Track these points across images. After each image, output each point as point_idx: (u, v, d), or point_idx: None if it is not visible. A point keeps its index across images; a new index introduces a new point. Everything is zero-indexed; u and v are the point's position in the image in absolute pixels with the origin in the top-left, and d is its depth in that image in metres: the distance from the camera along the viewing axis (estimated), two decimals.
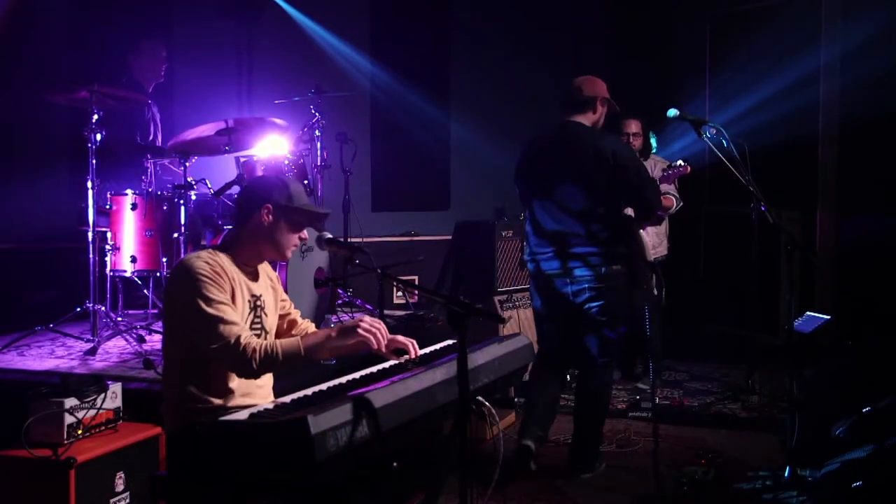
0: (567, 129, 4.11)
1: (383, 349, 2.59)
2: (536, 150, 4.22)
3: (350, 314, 5.08)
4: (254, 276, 2.71)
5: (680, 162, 5.31)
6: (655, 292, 4.14)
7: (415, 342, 2.74)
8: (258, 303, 2.68)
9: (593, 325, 4.05)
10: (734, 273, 5.97)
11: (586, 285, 3.99)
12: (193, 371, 2.52)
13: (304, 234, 2.76)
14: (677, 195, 5.50)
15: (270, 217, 2.65)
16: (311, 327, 2.94)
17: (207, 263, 2.51)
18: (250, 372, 2.46)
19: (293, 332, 2.89)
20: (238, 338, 2.42)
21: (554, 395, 4.29)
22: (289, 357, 2.47)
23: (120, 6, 5.96)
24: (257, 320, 2.67)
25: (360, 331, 2.50)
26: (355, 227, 5.73)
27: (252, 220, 2.66)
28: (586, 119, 4.11)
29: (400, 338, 2.69)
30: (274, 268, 4.41)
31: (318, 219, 2.89)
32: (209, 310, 2.44)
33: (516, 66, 7.58)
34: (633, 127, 5.60)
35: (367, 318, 2.56)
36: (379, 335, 2.52)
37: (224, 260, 2.59)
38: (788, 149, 6.15)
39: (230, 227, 4.52)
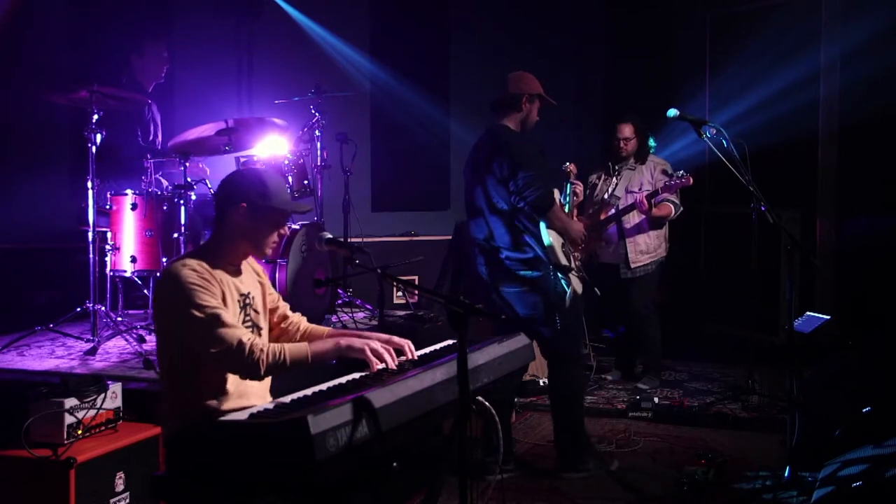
0: (487, 133, 4.11)
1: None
2: (471, 155, 4.22)
3: (350, 314, 5.08)
4: (239, 275, 2.69)
5: (682, 172, 5.30)
6: (579, 291, 4.14)
7: (411, 343, 2.75)
8: (247, 301, 2.67)
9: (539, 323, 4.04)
10: (734, 273, 5.98)
11: (514, 289, 4.02)
12: (188, 375, 2.51)
13: (285, 229, 2.73)
14: (677, 202, 5.48)
15: (245, 217, 2.61)
16: (303, 322, 2.92)
17: (194, 270, 2.48)
18: (256, 375, 2.45)
19: (283, 325, 2.87)
20: (240, 341, 2.41)
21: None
22: (296, 363, 2.49)
23: (120, 6, 5.95)
24: (248, 319, 2.66)
25: (367, 351, 2.56)
26: (355, 227, 5.73)
27: (228, 220, 2.63)
28: (511, 119, 4.08)
29: (396, 339, 2.71)
30: (274, 269, 4.46)
31: (297, 211, 2.88)
32: (204, 316, 2.42)
33: (516, 67, 7.55)
34: (626, 131, 5.56)
35: (378, 343, 2.61)
36: (386, 359, 2.58)
37: (206, 264, 2.56)
38: (788, 149, 6.15)
39: None
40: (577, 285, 4.14)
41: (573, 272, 4.12)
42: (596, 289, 4.44)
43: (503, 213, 3.99)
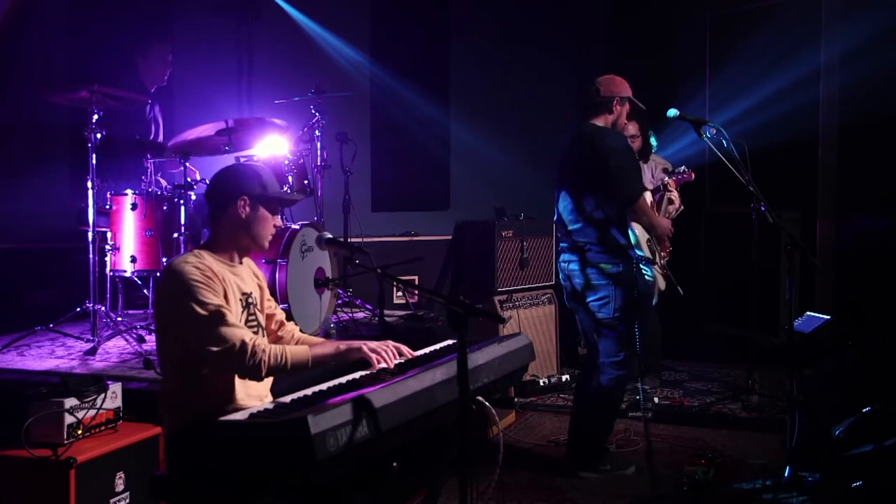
0: (581, 132, 4.14)
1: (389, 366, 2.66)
2: (561, 154, 4.28)
3: (350, 314, 5.08)
4: (239, 274, 2.69)
5: (683, 168, 5.30)
6: (662, 287, 4.13)
7: (408, 348, 2.77)
8: (250, 300, 2.67)
9: (599, 323, 4.05)
10: (734, 273, 5.97)
11: (594, 282, 4.01)
12: (189, 373, 2.51)
13: (280, 220, 2.76)
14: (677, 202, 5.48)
15: (248, 209, 2.64)
16: (296, 331, 2.93)
17: (197, 268, 2.49)
18: (257, 376, 2.46)
19: (280, 333, 2.89)
20: (243, 341, 2.41)
21: None
22: (297, 366, 2.51)
23: (120, 6, 5.96)
24: (252, 318, 2.66)
25: (365, 349, 2.62)
26: (355, 227, 5.73)
27: (228, 214, 2.65)
28: (601, 120, 4.11)
29: (393, 343, 2.75)
30: (274, 269, 4.46)
31: (292, 203, 2.90)
32: (207, 314, 2.42)
33: (516, 66, 7.58)
34: (631, 129, 5.56)
35: (376, 343, 2.67)
36: (384, 356, 2.62)
37: (210, 260, 2.57)
38: (788, 149, 6.15)
39: None
40: (661, 283, 4.15)
41: (657, 267, 4.13)
42: (679, 288, 4.43)
43: (591, 205, 4.00)
